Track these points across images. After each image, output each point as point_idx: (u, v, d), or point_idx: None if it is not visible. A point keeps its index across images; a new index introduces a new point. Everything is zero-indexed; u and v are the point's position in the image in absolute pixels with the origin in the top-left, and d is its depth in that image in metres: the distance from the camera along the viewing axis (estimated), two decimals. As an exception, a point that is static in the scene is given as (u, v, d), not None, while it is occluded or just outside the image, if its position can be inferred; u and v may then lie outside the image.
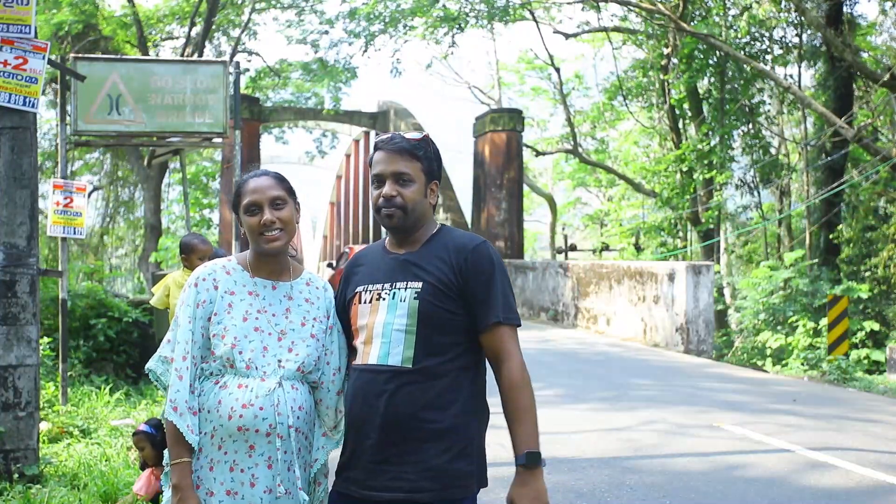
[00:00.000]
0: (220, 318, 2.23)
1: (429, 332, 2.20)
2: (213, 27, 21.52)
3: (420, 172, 2.29)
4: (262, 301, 2.28)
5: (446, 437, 2.18)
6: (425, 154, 2.30)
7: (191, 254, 5.36)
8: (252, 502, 2.17)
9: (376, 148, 2.34)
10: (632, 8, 20.62)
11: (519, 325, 2.27)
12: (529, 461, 2.11)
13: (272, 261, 2.32)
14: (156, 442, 4.24)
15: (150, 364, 2.31)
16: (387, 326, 2.22)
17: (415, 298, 2.21)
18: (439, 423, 2.17)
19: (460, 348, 2.23)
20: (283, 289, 2.32)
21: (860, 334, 14.74)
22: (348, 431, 2.28)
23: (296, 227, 2.35)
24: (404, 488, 2.16)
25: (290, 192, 2.34)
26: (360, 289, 2.33)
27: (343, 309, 2.39)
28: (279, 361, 2.23)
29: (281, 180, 2.33)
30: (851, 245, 17.72)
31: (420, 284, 2.22)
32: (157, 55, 22.12)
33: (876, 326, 14.87)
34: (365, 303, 2.29)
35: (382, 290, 2.27)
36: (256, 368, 2.20)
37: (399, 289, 2.24)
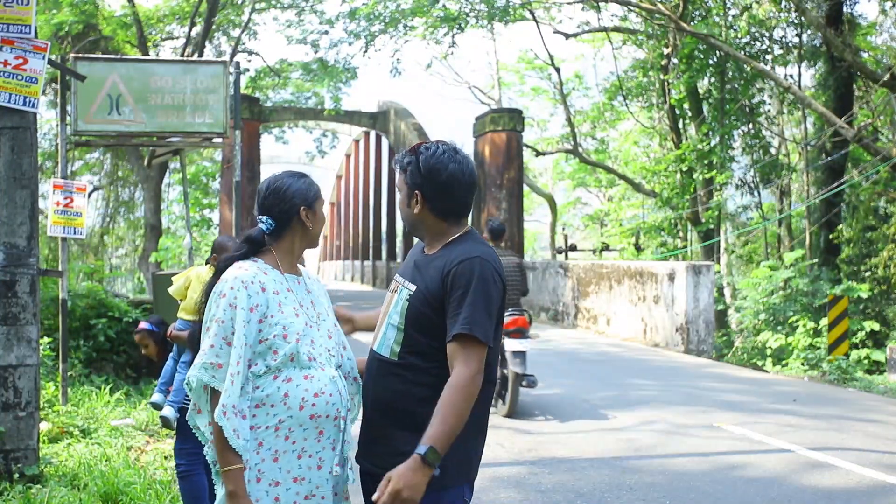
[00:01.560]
0: (276, 319, 2.30)
1: (414, 332, 2.37)
2: (213, 27, 21.51)
3: (403, 184, 2.47)
4: (297, 296, 2.42)
5: (419, 429, 2.28)
6: (407, 165, 2.47)
7: (222, 254, 5.37)
8: (319, 484, 2.31)
9: None
10: (632, 8, 20.61)
11: (483, 341, 2.28)
12: (428, 455, 2.16)
13: (300, 257, 2.50)
14: (158, 339, 4.59)
15: (197, 374, 2.28)
16: (389, 318, 2.45)
17: (407, 300, 2.40)
18: (413, 415, 2.32)
19: (443, 352, 2.33)
20: (303, 282, 2.49)
21: (860, 334, 14.73)
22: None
23: None
24: (380, 465, 2.34)
25: None
26: (395, 277, 2.55)
27: None
28: (328, 350, 2.40)
29: None
30: (851, 245, 17.72)
31: (413, 287, 2.40)
32: (157, 55, 22.11)
33: (876, 326, 14.87)
34: (389, 292, 2.54)
35: (400, 284, 2.48)
36: (315, 360, 2.34)
37: (405, 287, 2.44)
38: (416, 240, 2.67)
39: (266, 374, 2.28)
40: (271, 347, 2.28)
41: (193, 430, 2.35)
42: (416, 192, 2.44)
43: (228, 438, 2.19)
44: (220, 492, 2.30)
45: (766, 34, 21.20)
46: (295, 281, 2.44)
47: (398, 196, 2.51)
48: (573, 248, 29.01)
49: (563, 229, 33.81)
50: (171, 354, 4.39)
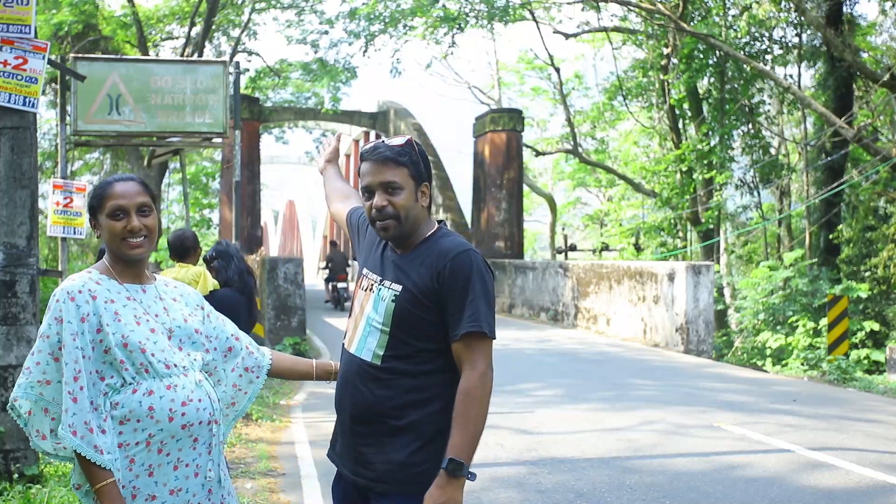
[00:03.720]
0: (113, 328, 2.15)
1: (401, 334, 2.26)
2: (213, 27, 21.50)
3: (408, 178, 2.30)
4: (141, 304, 2.25)
5: (407, 434, 2.25)
6: (410, 159, 2.31)
7: (180, 252, 5.44)
8: (195, 492, 2.22)
9: (362, 158, 2.35)
10: (632, 8, 20.61)
11: (491, 337, 2.24)
12: (449, 467, 2.14)
13: (137, 266, 2.29)
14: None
15: (17, 392, 2.13)
16: (368, 320, 2.32)
17: (392, 301, 2.27)
18: (401, 421, 2.25)
19: (433, 353, 2.26)
20: (151, 291, 2.31)
21: (860, 334, 14.73)
22: (336, 408, 2.42)
23: (157, 236, 2.35)
24: (368, 476, 2.29)
25: (154, 199, 2.35)
26: (365, 271, 2.42)
27: (357, 231, 2.58)
28: (189, 355, 2.27)
29: (146, 187, 2.33)
30: (851, 245, 17.72)
31: (400, 288, 2.27)
32: (157, 55, 22.10)
33: (876, 326, 14.87)
34: (362, 289, 2.39)
35: (375, 282, 2.35)
36: (175, 366, 2.20)
37: (384, 287, 2.31)
38: (365, 235, 2.53)
39: (124, 387, 2.14)
40: (117, 358, 2.13)
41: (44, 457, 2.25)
42: (425, 184, 2.35)
43: (90, 457, 2.05)
44: None
45: (766, 34, 21.20)
46: (139, 290, 2.26)
47: (401, 195, 2.29)
48: (573, 248, 29.01)
49: (563, 229, 33.81)
50: None
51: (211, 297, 4.72)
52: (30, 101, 5.12)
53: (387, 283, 2.31)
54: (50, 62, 5.80)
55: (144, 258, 2.29)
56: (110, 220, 2.23)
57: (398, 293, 2.27)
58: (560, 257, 29.00)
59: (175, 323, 2.28)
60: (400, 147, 2.31)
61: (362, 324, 2.33)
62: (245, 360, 2.47)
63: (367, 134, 36.72)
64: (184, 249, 5.33)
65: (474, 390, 2.18)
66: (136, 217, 2.24)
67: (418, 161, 2.33)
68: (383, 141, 2.35)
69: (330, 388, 2.59)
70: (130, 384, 2.15)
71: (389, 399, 2.25)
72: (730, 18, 21.61)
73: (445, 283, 2.23)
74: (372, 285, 2.35)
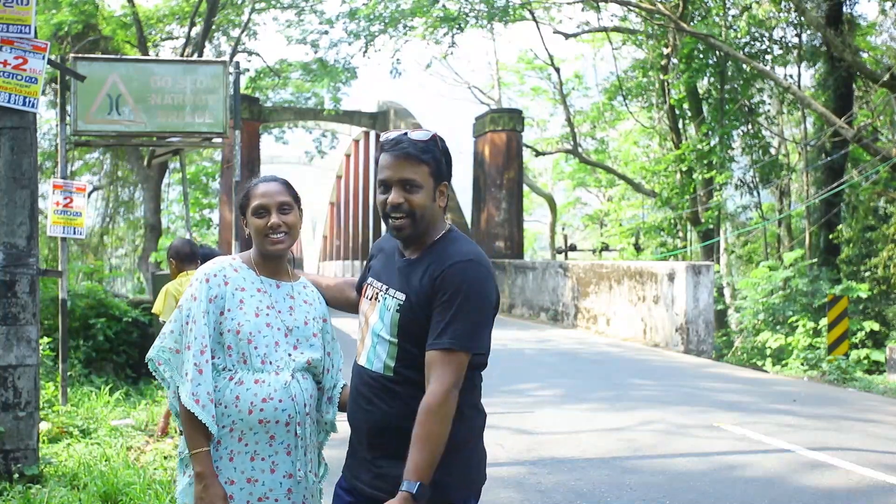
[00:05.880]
0: (233, 314, 2.32)
1: (408, 345, 2.19)
2: (213, 27, 21.51)
3: (428, 176, 2.21)
4: (269, 298, 2.40)
5: None
6: (433, 156, 2.22)
7: (178, 259, 5.53)
8: (272, 487, 2.31)
9: (382, 149, 2.25)
10: (632, 8, 20.62)
11: (469, 351, 2.13)
12: (410, 489, 2.03)
13: (276, 261, 2.46)
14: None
15: (152, 353, 2.37)
16: (374, 330, 2.26)
17: (396, 310, 2.21)
18: None
19: None
20: (285, 288, 2.45)
21: (860, 334, 14.74)
22: (350, 423, 2.36)
23: (299, 232, 2.48)
24: (384, 489, 2.18)
25: (296, 198, 2.47)
26: (370, 280, 2.36)
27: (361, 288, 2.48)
28: (289, 355, 2.36)
29: (288, 187, 2.48)
30: (851, 245, 17.73)
31: (403, 297, 2.21)
32: (157, 55, 22.11)
33: (876, 326, 14.88)
34: (367, 299, 2.33)
35: (380, 291, 2.28)
36: (270, 363, 2.33)
37: (389, 296, 2.24)
38: (382, 238, 2.46)
39: (224, 372, 2.32)
40: (226, 342, 2.31)
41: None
42: (444, 183, 2.26)
43: (208, 425, 2.23)
44: (181, 480, 2.36)
45: (766, 34, 21.22)
46: (272, 284, 2.42)
47: (418, 194, 2.20)
48: (573, 248, 29.04)
49: (563, 229, 33.84)
50: None
51: None
52: (30, 101, 5.12)
53: (392, 291, 2.24)
54: (50, 62, 5.80)
55: (284, 255, 2.44)
56: (254, 217, 2.41)
57: (402, 302, 2.20)
58: (560, 257, 29.01)
59: (295, 323, 2.40)
60: (423, 143, 2.21)
61: (368, 335, 2.27)
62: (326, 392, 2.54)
63: (366, 134, 36.77)
64: (182, 257, 5.48)
65: (436, 406, 2.07)
66: (276, 214, 2.39)
67: (440, 159, 2.24)
68: (406, 133, 2.22)
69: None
70: (230, 370, 2.32)
71: (403, 411, 2.17)
72: (730, 18, 21.63)
73: (437, 292, 2.15)
74: (377, 294, 2.28)
